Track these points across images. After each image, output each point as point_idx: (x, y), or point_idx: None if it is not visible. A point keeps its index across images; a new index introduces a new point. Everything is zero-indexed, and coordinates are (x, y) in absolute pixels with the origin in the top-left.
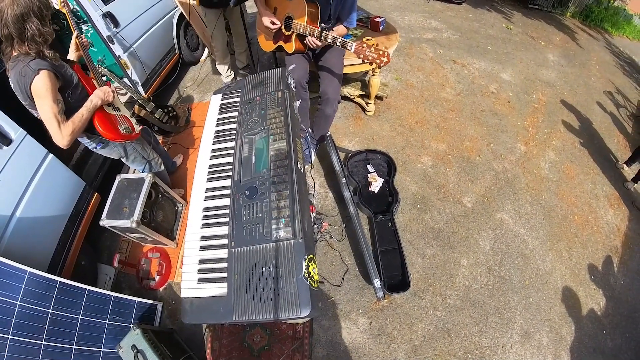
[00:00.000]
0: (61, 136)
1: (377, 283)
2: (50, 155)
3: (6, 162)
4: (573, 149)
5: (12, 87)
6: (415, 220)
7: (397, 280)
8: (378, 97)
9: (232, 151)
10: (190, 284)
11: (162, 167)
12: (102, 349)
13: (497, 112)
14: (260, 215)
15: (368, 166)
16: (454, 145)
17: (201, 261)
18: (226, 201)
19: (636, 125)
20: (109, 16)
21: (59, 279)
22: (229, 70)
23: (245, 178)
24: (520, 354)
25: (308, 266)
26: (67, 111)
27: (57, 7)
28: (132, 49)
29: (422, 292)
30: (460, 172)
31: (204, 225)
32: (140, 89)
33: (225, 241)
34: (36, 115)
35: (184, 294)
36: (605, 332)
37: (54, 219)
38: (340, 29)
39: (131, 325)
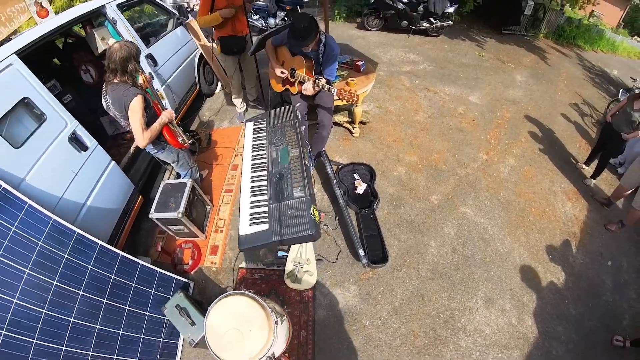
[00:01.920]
0: (142, 139)
1: (362, 252)
2: (113, 162)
3: (83, 163)
4: (533, 154)
5: (109, 102)
6: (392, 214)
7: (378, 258)
8: (362, 122)
9: (265, 156)
10: (244, 227)
11: (198, 175)
12: (147, 313)
13: (463, 129)
14: (286, 186)
15: (355, 175)
16: (424, 157)
17: (251, 214)
18: (265, 182)
19: (600, 131)
20: (150, 57)
21: (121, 253)
22: (242, 102)
23: (275, 169)
24: (486, 316)
25: (312, 210)
26: (146, 124)
27: None
28: (166, 83)
29: (399, 266)
30: (428, 177)
31: (252, 195)
32: None
33: (266, 202)
34: (123, 124)
35: (241, 232)
36: (567, 301)
37: (112, 211)
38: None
39: (170, 296)
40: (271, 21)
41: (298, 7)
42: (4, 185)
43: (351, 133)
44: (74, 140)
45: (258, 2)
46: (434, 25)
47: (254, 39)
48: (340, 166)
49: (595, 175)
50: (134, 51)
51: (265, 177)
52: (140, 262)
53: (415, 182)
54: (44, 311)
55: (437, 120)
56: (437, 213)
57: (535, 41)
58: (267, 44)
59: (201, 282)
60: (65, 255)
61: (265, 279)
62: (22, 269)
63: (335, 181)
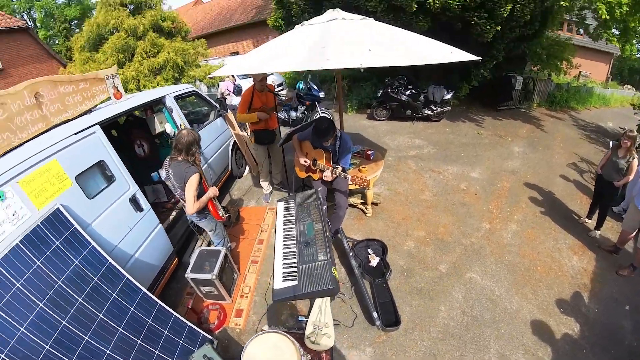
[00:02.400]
0: (193, 207)
1: (375, 315)
2: (160, 225)
3: (137, 221)
4: (534, 218)
5: (170, 174)
6: (403, 283)
7: (391, 321)
8: (374, 203)
9: (294, 228)
10: (278, 283)
11: (229, 245)
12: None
13: (466, 203)
14: (312, 252)
15: (368, 249)
16: (431, 231)
17: (284, 273)
18: (294, 249)
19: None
20: None
21: (159, 302)
22: (269, 185)
23: (302, 238)
24: None
25: (333, 270)
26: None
27: None
28: (207, 163)
29: (412, 329)
30: (436, 249)
31: (284, 258)
32: None
33: (295, 264)
34: (178, 193)
35: (275, 286)
36: (586, 351)
37: (153, 266)
38: (340, 168)
39: (195, 349)
40: (292, 114)
41: (316, 102)
42: (76, 225)
43: (364, 213)
44: (133, 201)
45: (282, 98)
46: (435, 111)
47: (282, 130)
48: (355, 242)
49: (598, 226)
50: (197, 138)
51: (295, 245)
52: (175, 313)
53: (423, 254)
54: (86, 338)
55: (442, 198)
56: (445, 280)
57: (530, 112)
58: (294, 138)
59: (224, 341)
60: (114, 294)
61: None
62: (77, 297)
63: (351, 254)
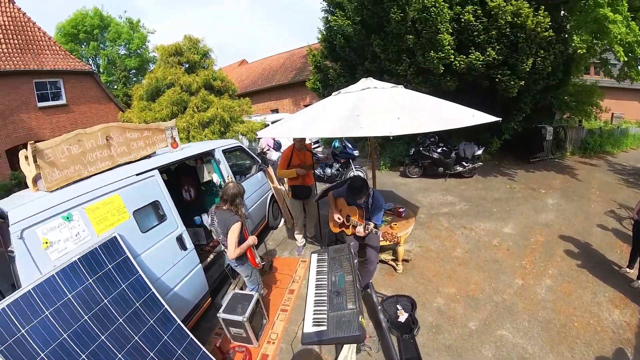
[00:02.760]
0: (233, 253)
1: None
2: (200, 265)
3: (181, 259)
4: (570, 271)
5: (215, 221)
6: (431, 340)
7: None
8: (405, 260)
9: (326, 279)
10: (308, 327)
11: (262, 291)
12: None
13: (498, 259)
14: (341, 301)
15: (397, 305)
16: (462, 288)
17: (314, 319)
18: (325, 297)
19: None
20: None
21: (191, 335)
22: (302, 238)
23: (334, 288)
24: None
25: (361, 319)
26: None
27: None
28: (247, 212)
29: None
30: (466, 306)
31: (315, 305)
32: None
33: (325, 311)
34: (221, 239)
35: (305, 330)
36: None
37: (188, 302)
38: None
39: None
40: (328, 171)
41: (350, 160)
42: (128, 254)
43: (395, 269)
44: (179, 240)
45: (318, 156)
46: (467, 168)
47: (317, 185)
48: (384, 297)
49: None
50: (242, 191)
51: (326, 294)
52: (203, 349)
53: (453, 311)
54: (119, 356)
55: (474, 255)
56: (474, 337)
57: (563, 161)
58: (329, 195)
59: None
60: (151, 321)
61: None
62: (118, 317)
63: (379, 308)
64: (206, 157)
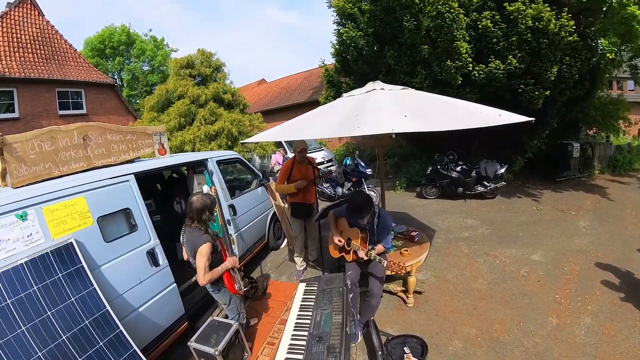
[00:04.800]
0: (203, 279)
1: None
2: (174, 285)
3: (150, 276)
4: (613, 306)
5: (182, 240)
6: None
7: None
8: (417, 292)
9: (310, 317)
10: None
11: (244, 321)
12: None
13: (527, 292)
14: (322, 350)
15: (405, 348)
16: (484, 328)
17: None
18: (303, 342)
19: None
20: (232, 207)
21: None
22: (303, 261)
23: (316, 331)
24: None
25: None
26: (210, 266)
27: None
28: (240, 231)
29: None
30: (489, 351)
31: (289, 352)
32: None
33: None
34: (191, 261)
35: None
36: None
37: (156, 326)
38: (380, 248)
39: None
40: (339, 190)
41: (363, 179)
42: (84, 263)
43: (405, 303)
44: (151, 255)
45: (322, 170)
46: (489, 188)
47: (322, 205)
48: (390, 337)
49: None
50: (208, 204)
51: (305, 338)
52: None
53: (473, 357)
54: None
55: (498, 287)
56: None
57: (592, 180)
58: (330, 214)
59: None
60: (100, 343)
61: None
62: (61, 334)
63: (380, 353)
64: (198, 167)
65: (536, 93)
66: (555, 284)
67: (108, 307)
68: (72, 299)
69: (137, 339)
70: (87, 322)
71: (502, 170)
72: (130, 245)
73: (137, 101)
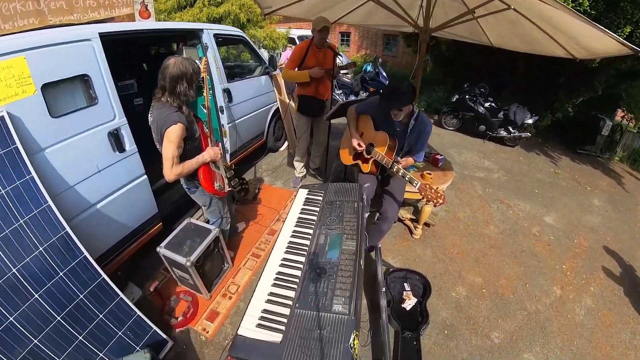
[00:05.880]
0: (170, 173)
1: None
2: (145, 176)
3: (113, 163)
4: (612, 296)
5: (149, 120)
6: (440, 345)
7: None
8: (426, 224)
9: (309, 237)
10: (249, 325)
11: (228, 227)
12: (101, 354)
13: (537, 254)
14: (325, 290)
15: (405, 284)
16: (490, 280)
17: (264, 310)
18: (298, 272)
19: None
20: (227, 91)
21: (103, 275)
22: (303, 167)
23: (317, 259)
24: None
25: (354, 339)
26: (182, 155)
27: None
28: (234, 122)
29: None
30: (492, 307)
31: (275, 285)
32: (227, 156)
33: (289, 302)
34: (159, 148)
35: (240, 331)
36: None
37: (121, 225)
38: (409, 160)
39: (137, 347)
40: (352, 98)
41: (381, 90)
42: (18, 144)
43: (411, 233)
44: (114, 136)
45: (344, 79)
46: (512, 135)
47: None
48: (390, 269)
49: None
50: (189, 71)
51: (301, 267)
52: (121, 295)
53: (475, 309)
54: None
55: (509, 239)
56: (495, 356)
57: (610, 164)
58: (349, 110)
59: (181, 347)
60: (40, 248)
61: None
62: None
63: (383, 290)
64: (191, 39)
65: None
66: (564, 253)
67: (50, 203)
68: (2, 190)
69: (96, 242)
70: (22, 221)
71: (531, 121)
72: (87, 124)
73: None
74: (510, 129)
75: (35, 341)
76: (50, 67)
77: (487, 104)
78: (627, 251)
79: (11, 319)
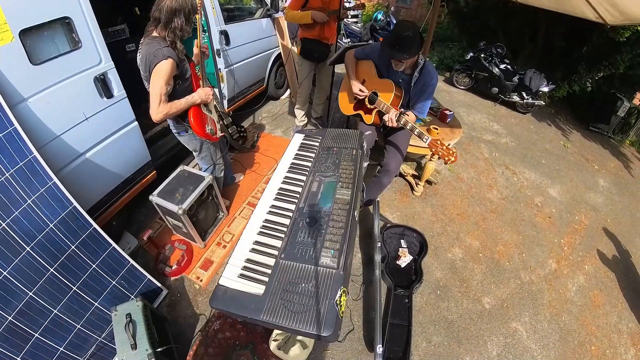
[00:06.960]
0: (156, 112)
1: (380, 349)
2: (135, 122)
3: (100, 110)
4: (605, 278)
5: (138, 58)
6: (431, 305)
7: (396, 356)
8: (428, 181)
9: (302, 183)
10: (231, 275)
11: (222, 175)
12: (96, 303)
13: (537, 224)
14: (314, 241)
15: (402, 241)
16: (488, 245)
17: (248, 260)
18: (286, 221)
19: None
20: (224, 34)
21: (94, 225)
22: (304, 116)
23: (308, 208)
24: None
25: (341, 296)
26: (171, 96)
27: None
28: (232, 67)
29: None
30: (486, 272)
31: (260, 233)
32: (225, 102)
33: (274, 252)
34: (145, 86)
35: (222, 281)
36: None
37: (112, 174)
38: (411, 116)
39: (132, 296)
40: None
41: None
42: (0, 97)
43: (412, 189)
44: (101, 82)
45: (352, 27)
46: (525, 101)
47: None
48: (387, 224)
49: None
50: (185, 6)
51: (290, 215)
52: (113, 244)
53: (470, 273)
54: None
55: (511, 205)
56: (484, 321)
57: (620, 146)
58: (347, 54)
59: (176, 295)
60: (29, 200)
61: (248, 326)
62: None
63: (379, 245)
64: None
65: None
66: (564, 228)
67: (36, 154)
68: None
69: (87, 193)
70: (7, 174)
71: (546, 89)
72: (71, 69)
73: None
74: (524, 95)
75: (31, 293)
76: (27, 11)
77: (502, 66)
78: (625, 236)
79: (5, 273)
